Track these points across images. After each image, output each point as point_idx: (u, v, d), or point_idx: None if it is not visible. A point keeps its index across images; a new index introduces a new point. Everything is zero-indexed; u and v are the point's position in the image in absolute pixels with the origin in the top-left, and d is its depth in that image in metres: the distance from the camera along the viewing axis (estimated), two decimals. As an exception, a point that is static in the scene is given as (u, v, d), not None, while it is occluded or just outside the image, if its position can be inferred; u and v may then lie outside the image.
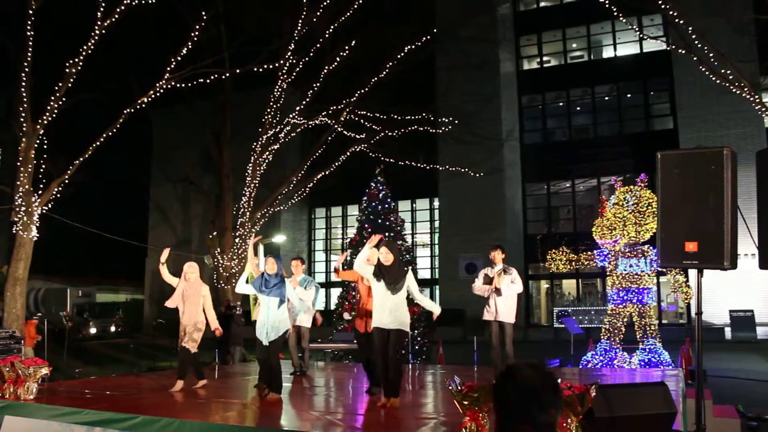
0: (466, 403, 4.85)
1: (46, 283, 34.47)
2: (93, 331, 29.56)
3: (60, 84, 13.81)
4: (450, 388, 4.94)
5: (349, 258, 13.02)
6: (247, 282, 7.72)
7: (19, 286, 13.78)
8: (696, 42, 15.66)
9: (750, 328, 23.18)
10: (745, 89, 15.09)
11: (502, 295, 8.56)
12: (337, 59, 18.02)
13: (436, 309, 7.28)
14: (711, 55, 15.57)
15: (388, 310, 6.68)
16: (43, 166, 14.41)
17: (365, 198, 16.59)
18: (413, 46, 18.51)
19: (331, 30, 17.59)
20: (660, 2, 15.13)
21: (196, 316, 8.22)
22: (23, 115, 13.70)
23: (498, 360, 8.66)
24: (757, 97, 15.25)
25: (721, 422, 8.13)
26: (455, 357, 14.92)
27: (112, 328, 31.15)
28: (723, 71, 15.57)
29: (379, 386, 7.22)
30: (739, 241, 4.49)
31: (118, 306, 35.83)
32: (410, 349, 12.97)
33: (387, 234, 15.85)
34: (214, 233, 20.03)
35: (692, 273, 14.89)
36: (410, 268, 7.08)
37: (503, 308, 8.58)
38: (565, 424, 4.53)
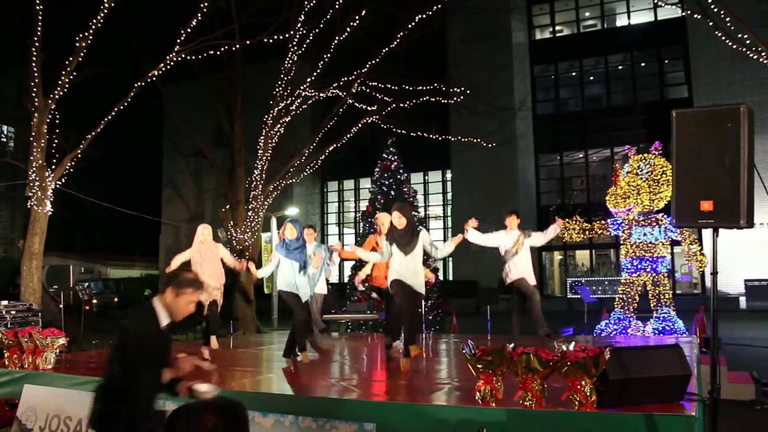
0: (479, 366, 4.87)
1: (62, 259, 34.98)
2: (94, 302, 30.16)
3: (71, 58, 13.79)
4: (464, 352, 4.96)
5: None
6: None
7: (35, 260, 13.88)
8: (712, 6, 15.37)
9: (765, 298, 23.08)
10: (763, 54, 14.83)
11: (521, 256, 8.64)
12: (348, 30, 17.87)
13: (452, 244, 7.06)
14: (727, 19, 15.28)
15: (405, 270, 6.75)
16: (56, 141, 14.45)
17: (377, 170, 16.54)
18: (424, 16, 18.30)
19: (341, 0, 17.41)
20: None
21: (220, 277, 8.31)
22: (35, 90, 13.69)
23: (540, 319, 8.66)
24: (774, 62, 14.98)
25: (736, 387, 8.14)
26: (468, 327, 14.97)
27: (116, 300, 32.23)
28: (740, 36, 15.29)
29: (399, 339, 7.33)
30: (755, 209, 4.43)
31: (121, 282, 36.32)
32: (424, 320, 12.99)
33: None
34: (227, 207, 20.05)
35: (707, 239, 14.74)
36: (422, 227, 7.10)
37: (526, 268, 8.67)
38: (579, 387, 4.55)
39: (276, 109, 18.67)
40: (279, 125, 18.92)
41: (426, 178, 32.93)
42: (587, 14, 30.85)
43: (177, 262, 8.38)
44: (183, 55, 15.16)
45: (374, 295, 11.82)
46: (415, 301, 6.88)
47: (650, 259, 11.33)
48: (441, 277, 18.16)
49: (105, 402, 3.45)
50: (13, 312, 11.26)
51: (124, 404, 3.37)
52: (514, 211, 9.16)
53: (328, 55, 18.33)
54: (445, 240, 31.87)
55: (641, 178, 11.44)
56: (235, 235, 19.02)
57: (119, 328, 3.53)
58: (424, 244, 6.89)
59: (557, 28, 31.32)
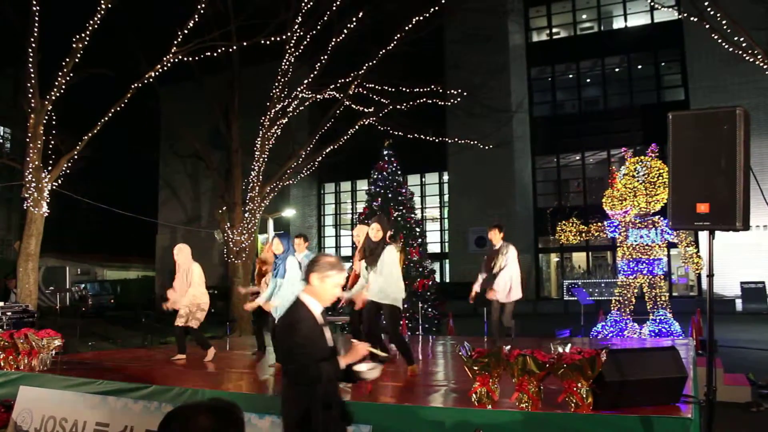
0: (476, 368, 4.87)
1: (58, 261, 34.98)
2: (90, 303, 30.15)
3: (67, 59, 13.76)
4: (460, 353, 4.96)
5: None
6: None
7: (32, 261, 13.85)
8: (708, 9, 15.42)
9: (761, 300, 23.12)
10: (759, 57, 14.87)
11: (504, 275, 8.76)
12: (345, 31, 17.86)
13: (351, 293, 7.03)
14: (724, 22, 15.33)
15: (376, 284, 6.70)
16: (53, 143, 14.42)
17: (374, 172, 16.55)
18: (421, 18, 18.31)
19: (338, 1, 17.40)
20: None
21: (195, 297, 8.29)
22: (31, 90, 13.66)
23: (497, 331, 8.89)
24: (770, 65, 15.02)
25: (732, 389, 8.15)
26: (465, 329, 14.95)
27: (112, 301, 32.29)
28: (736, 39, 15.34)
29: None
30: (751, 212, 4.44)
31: (117, 284, 36.29)
32: (420, 321, 12.98)
33: (396, 207, 15.86)
34: (224, 208, 20.03)
35: (703, 241, 14.73)
36: (394, 244, 6.95)
37: (498, 287, 8.79)
38: (575, 389, 4.55)
39: (273, 110, 18.65)
40: (276, 127, 18.90)
41: (423, 180, 32.93)
42: (584, 17, 30.89)
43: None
44: (180, 57, 15.14)
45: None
46: (390, 319, 6.71)
47: (647, 261, 11.34)
48: (438, 279, 18.13)
49: (287, 398, 3.49)
50: (9, 313, 11.24)
51: (305, 397, 3.38)
52: (495, 225, 9.23)
53: (326, 57, 18.32)
54: (441, 243, 31.91)
55: (638, 181, 11.45)
56: (231, 236, 19.00)
57: (279, 330, 3.55)
58: (384, 259, 6.69)
59: (554, 30, 31.36)
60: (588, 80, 30.89)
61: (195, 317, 8.33)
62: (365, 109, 19.97)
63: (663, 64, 29.10)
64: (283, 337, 3.55)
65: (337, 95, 19.37)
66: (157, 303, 31.16)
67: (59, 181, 14.44)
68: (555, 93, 31.12)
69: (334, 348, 3.63)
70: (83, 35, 13.60)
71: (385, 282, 6.66)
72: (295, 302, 3.58)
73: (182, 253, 8.49)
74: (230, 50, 17.86)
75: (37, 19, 13.36)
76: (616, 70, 30.19)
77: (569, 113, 30.75)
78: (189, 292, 8.27)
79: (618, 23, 30.15)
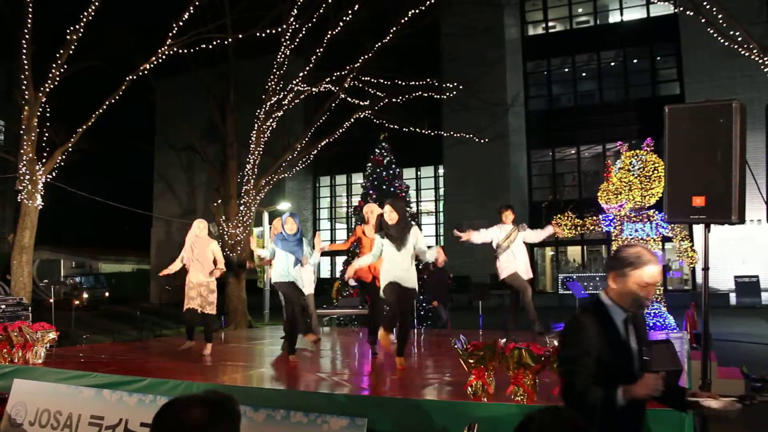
0: (471, 361, 4.87)
1: (53, 254, 34.94)
2: (85, 296, 30.09)
3: (61, 51, 13.70)
4: (456, 347, 4.96)
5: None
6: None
7: (26, 254, 13.82)
8: (704, 3, 15.43)
9: (755, 294, 23.22)
10: (755, 51, 14.89)
11: (514, 251, 8.70)
12: (340, 24, 17.81)
13: (430, 255, 6.87)
14: (720, 16, 15.34)
15: (399, 268, 6.61)
16: (47, 135, 14.37)
17: (369, 165, 16.52)
18: (417, 11, 18.26)
19: (333, -6, 17.36)
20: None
21: (207, 276, 8.20)
22: (25, 83, 13.61)
23: (511, 322, 8.83)
24: (766, 59, 15.04)
25: (726, 383, 8.17)
26: (460, 322, 14.97)
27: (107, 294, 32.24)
28: (731, 33, 15.35)
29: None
30: (746, 205, 4.44)
31: (112, 277, 36.25)
32: (416, 315, 12.97)
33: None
34: (219, 201, 19.99)
35: (698, 235, 14.76)
36: (415, 223, 6.94)
37: (520, 263, 8.75)
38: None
39: (268, 103, 18.61)
40: (271, 120, 18.86)
41: (418, 173, 32.94)
42: (580, 10, 30.87)
43: (176, 266, 8.37)
44: (175, 49, 15.09)
45: (352, 282, 11.22)
46: (408, 301, 6.74)
47: (641, 255, 11.34)
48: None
49: None
50: (3, 306, 11.22)
51: None
52: (509, 205, 9.23)
53: (321, 50, 18.27)
54: (436, 236, 31.93)
55: (633, 175, 11.45)
56: (226, 229, 18.97)
57: (564, 329, 2.95)
58: (416, 240, 6.65)
59: (550, 24, 31.35)
60: (584, 74, 30.90)
61: (208, 302, 8.21)
62: (361, 102, 19.94)
63: (659, 58, 29.13)
64: (559, 344, 3.01)
65: (333, 88, 19.32)
66: (153, 296, 31.20)
67: (53, 174, 14.39)
68: (551, 87, 31.13)
69: (634, 368, 2.90)
70: (77, 27, 13.54)
71: (407, 265, 6.60)
72: (591, 303, 2.97)
73: (206, 228, 8.52)
74: (226, 43, 17.79)
75: (30, 10, 13.30)
76: (612, 64, 30.20)
77: (565, 107, 30.78)
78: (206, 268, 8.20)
79: (614, 17, 30.15)
